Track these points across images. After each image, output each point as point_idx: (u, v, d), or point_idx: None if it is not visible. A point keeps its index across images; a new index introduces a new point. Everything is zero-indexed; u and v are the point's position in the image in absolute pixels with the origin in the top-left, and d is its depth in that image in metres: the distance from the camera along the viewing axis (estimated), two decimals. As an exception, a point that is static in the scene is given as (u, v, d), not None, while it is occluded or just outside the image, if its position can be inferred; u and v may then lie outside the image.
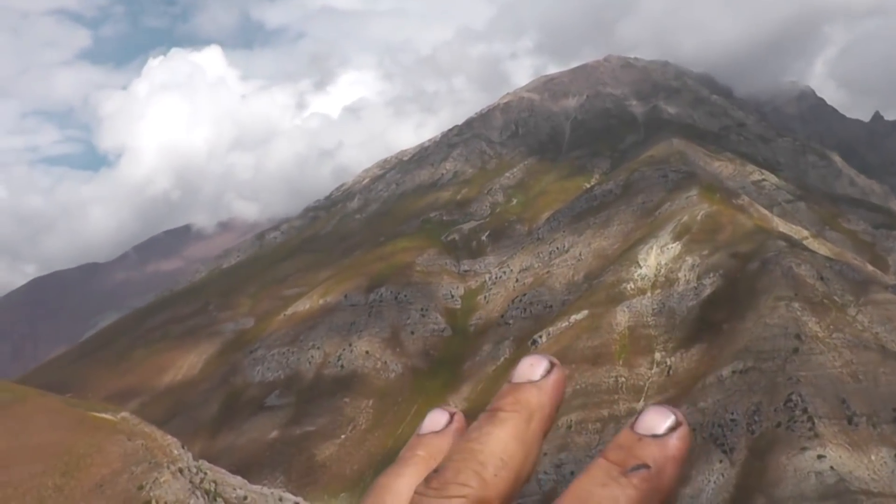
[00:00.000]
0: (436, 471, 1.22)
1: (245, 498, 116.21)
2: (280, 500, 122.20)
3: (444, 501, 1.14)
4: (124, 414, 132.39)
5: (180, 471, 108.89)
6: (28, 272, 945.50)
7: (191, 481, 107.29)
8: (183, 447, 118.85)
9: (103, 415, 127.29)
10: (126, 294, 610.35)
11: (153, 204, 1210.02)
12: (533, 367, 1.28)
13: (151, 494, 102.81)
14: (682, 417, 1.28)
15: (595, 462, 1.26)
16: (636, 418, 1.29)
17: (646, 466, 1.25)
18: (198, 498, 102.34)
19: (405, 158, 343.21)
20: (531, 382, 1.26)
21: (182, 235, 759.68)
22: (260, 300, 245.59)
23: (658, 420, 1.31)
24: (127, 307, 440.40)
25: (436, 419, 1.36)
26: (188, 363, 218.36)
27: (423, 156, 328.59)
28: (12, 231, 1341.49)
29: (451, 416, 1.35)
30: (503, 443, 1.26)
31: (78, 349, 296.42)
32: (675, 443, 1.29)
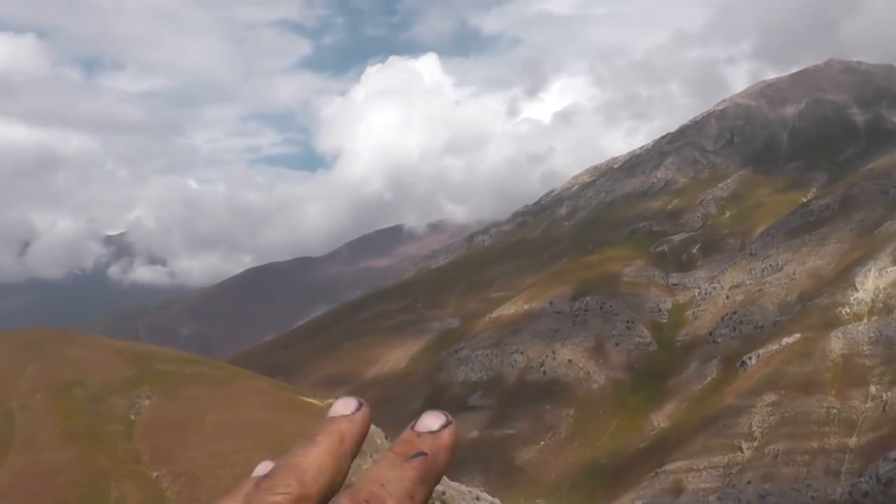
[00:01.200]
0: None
1: (444, 493, 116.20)
2: (477, 499, 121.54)
3: (271, 497, 1.33)
4: (331, 400, 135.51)
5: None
6: (245, 262, 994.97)
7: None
8: (386, 438, 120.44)
9: (311, 399, 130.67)
10: (337, 287, 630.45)
11: (366, 203, 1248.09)
12: (351, 413, 1.64)
13: (351, 480, 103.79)
14: (452, 418, 1.54)
15: (385, 455, 1.60)
16: (416, 421, 1.57)
17: (423, 454, 1.59)
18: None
19: (615, 166, 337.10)
20: (344, 416, 1.56)
21: (393, 235, 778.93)
22: (466, 301, 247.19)
23: (433, 420, 1.58)
24: (337, 300, 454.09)
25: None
26: (395, 357, 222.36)
27: (633, 163, 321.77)
28: (232, 224, 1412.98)
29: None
30: (320, 457, 1.55)
31: (289, 336, 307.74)
32: (446, 436, 1.63)
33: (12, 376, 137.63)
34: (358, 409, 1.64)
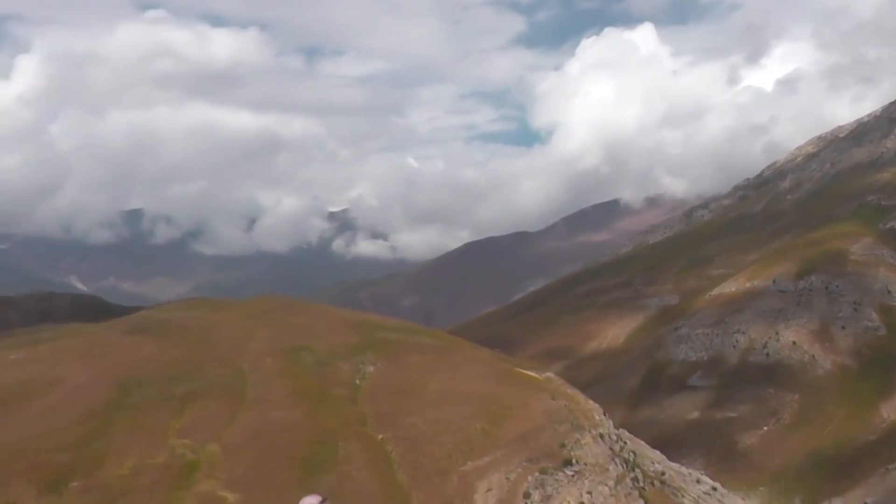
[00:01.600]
0: None
1: (663, 474, 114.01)
2: (697, 481, 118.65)
3: None
4: (549, 374, 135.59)
5: (601, 436, 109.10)
6: (462, 237, 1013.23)
7: (611, 448, 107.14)
8: (604, 414, 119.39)
9: (529, 372, 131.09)
10: (554, 262, 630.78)
11: (582, 178, 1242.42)
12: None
13: (572, 454, 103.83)
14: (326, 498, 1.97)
15: None
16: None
17: None
18: (616, 465, 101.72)
19: (841, 135, 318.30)
20: None
21: (610, 209, 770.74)
22: (685, 278, 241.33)
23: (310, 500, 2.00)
24: (554, 274, 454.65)
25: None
26: (612, 333, 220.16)
27: (861, 132, 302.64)
28: (449, 200, 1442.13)
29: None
30: None
31: (507, 309, 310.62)
32: None
33: (244, 340, 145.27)
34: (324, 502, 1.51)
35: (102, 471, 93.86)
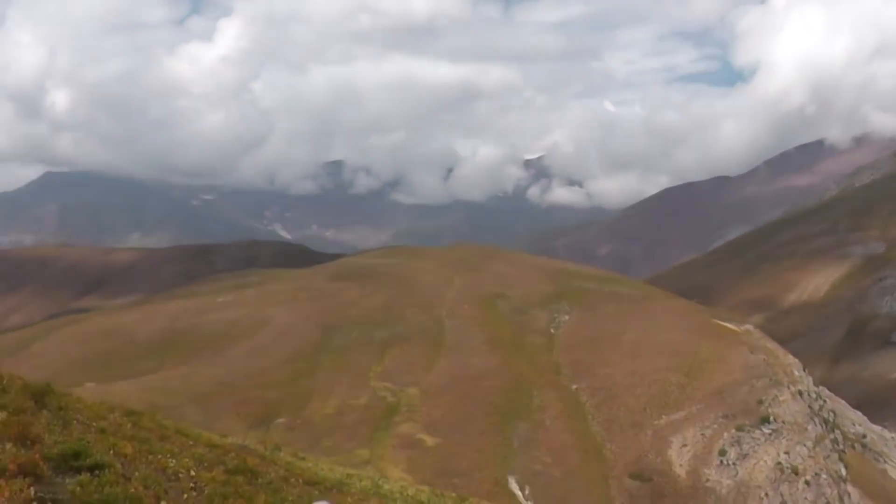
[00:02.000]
0: None
1: (864, 436, 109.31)
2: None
3: None
4: (748, 326, 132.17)
5: (800, 393, 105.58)
6: (660, 182, 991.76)
7: (809, 406, 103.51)
8: (804, 370, 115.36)
9: (727, 324, 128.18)
10: (755, 208, 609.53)
11: (786, 118, 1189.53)
12: None
13: (770, 411, 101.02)
14: None
15: None
16: None
17: None
18: (815, 425, 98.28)
19: None
20: None
21: (814, 150, 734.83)
22: (893, 224, 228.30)
23: None
24: (755, 221, 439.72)
25: None
26: (814, 284, 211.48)
27: None
28: (647, 145, 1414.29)
29: None
30: None
31: (705, 258, 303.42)
32: None
33: (442, 287, 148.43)
34: None
35: (307, 409, 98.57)
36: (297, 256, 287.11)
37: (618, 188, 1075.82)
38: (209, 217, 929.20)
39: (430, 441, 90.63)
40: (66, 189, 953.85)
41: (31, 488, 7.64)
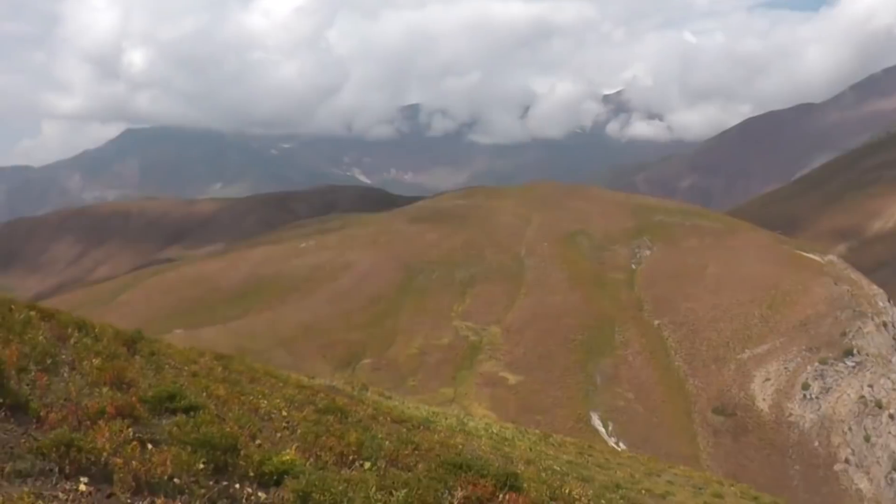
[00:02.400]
0: None
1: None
2: None
3: None
4: (831, 257, 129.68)
5: (884, 325, 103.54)
6: (742, 112, 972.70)
7: (894, 338, 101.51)
8: (889, 300, 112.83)
9: (810, 255, 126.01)
10: (840, 134, 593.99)
11: (873, 39, 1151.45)
12: None
13: (854, 343, 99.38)
14: None
15: None
16: None
17: None
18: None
19: None
20: None
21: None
22: None
23: None
24: (840, 148, 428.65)
25: None
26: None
27: None
28: (729, 74, 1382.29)
29: None
30: None
31: (789, 188, 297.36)
32: None
33: (520, 226, 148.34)
34: None
35: (391, 350, 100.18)
36: (377, 200, 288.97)
37: (699, 120, 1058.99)
38: (288, 165, 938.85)
39: (512, 379, 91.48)
40: (147, 144, 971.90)
41: (130, 429, 8.12)
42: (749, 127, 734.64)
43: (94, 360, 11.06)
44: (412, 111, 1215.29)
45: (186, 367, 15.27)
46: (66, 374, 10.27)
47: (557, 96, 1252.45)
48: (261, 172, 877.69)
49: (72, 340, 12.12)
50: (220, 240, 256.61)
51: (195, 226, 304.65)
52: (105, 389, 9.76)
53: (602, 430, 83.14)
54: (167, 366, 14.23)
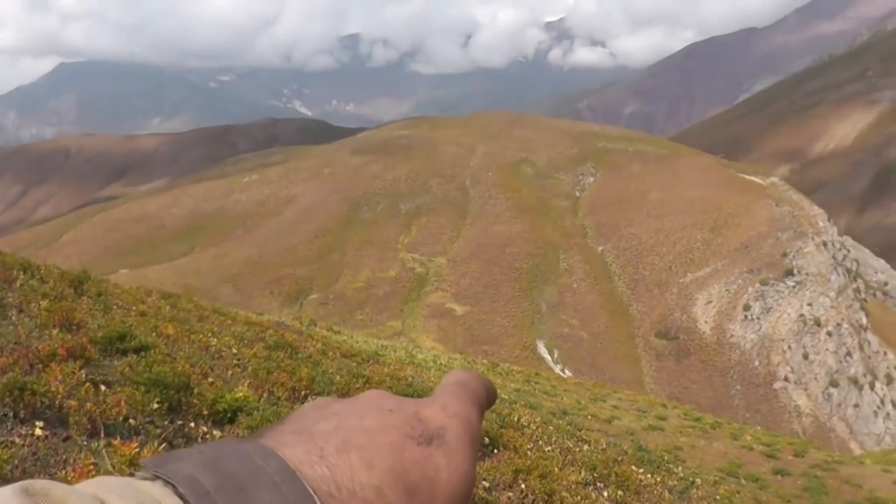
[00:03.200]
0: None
1: (885, 284, 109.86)
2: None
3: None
4: (773, 179, 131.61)
5: (824, 244, 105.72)
6: (686, 37, 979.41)
7: (833, 257, 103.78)
8: (829, 220, 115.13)
9: (752, 177, 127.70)
10: (783, 58, 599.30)
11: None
12: None
13: (794, 263, 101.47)
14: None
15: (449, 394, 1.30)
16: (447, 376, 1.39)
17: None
18: (838, 275, 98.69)
19: None
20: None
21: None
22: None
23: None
24: (783, 72, 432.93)
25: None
26: (841, 132, 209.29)
27: None
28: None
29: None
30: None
31: (731, 112, 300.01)
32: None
33: (465, 156, 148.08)
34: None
35: (339, 284, 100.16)
36: (319, 132, 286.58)
37: (642, 46, 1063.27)
38: (228, 98, 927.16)
39: (459, 310, 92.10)
40: (83, 79, 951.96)
41: (82, 371, 8.16)
42: (692, 52, 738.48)
43: (41, 302, 11.02)
44: (352, 41, 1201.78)
45: (134, 307, 15.23)
46: (14, 318, 10.26)
47: (499, 24, 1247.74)
48: (200, 106, 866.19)
49: (18, 283, 12.06)
50: (163, 176, 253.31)
51: (136, 162, 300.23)
52: (55, 331, 9.73)
53: (548, 357, 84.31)
54: (115, 306, 14.17)
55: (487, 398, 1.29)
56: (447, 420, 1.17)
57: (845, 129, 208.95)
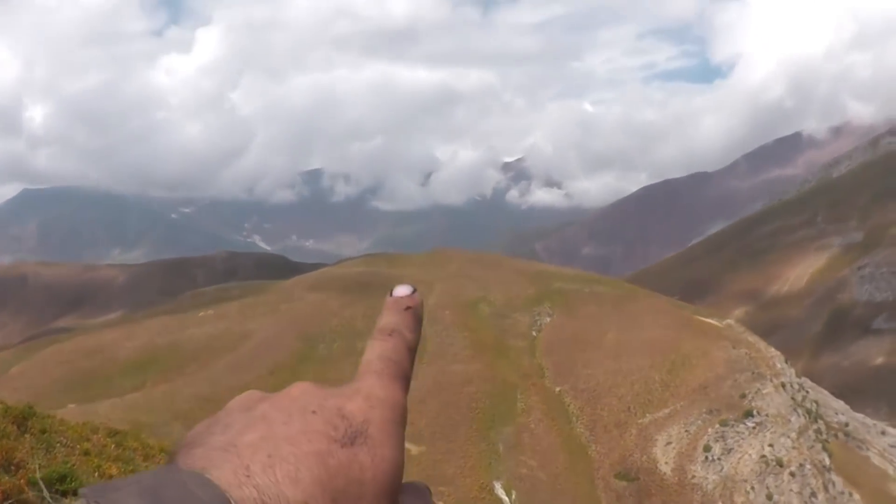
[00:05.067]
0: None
1: (846, 425, 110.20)
2: (882, 433, 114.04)
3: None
4: (729, 321, 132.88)
5: (782, 385, 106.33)
6: (640, 180, 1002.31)
7: (792, 398, 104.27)
8: (786, 362, 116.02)
9: (709, 320, 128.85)
10: (735, 202, 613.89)
11: (764, 111, 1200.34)
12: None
13: (753, 404, 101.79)
14: (416, 288, 1.75)
15: (385, 310, 1.63)
16: (392, 290, 1.73)
17: (410, 307, 1.64)
18: (798, 416, 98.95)
19: None
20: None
21: (792, 143, 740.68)
22: (870, 213, 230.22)
23: (406, 288, 1.68)
24: (735, 215, 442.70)
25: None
26: (795, 275, 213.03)
27: None
28: (627, 143, 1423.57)
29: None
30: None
31: (686, 254, 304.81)
32: (418, 296, 1.68)
33: (423, 293, 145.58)
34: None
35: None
36: (278, 268, 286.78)
37: (597, 187, 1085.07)
38: (189, 230, 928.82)
39: (415, 450, 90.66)
40: (45, 206, 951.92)
41: (19, 514, 7.82)
42: (646, 194, 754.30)
43: (-19, 442, 10.67)
44: (314, 176, 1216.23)
45: (79, 445, 14.77)
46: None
47: (459, 163, 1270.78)
48: (161, 237, 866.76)
49: (-40, 421, 11.69)
50: (119, 307, 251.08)
51: (93, 293, 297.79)
52: (-7, 472, 9.40)
53: (506, 498, 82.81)
54: (59, 444, 13.74)
55: (413, 342, 1.48)
56: (370, 412, 1.26)
57: (798, 272, 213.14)
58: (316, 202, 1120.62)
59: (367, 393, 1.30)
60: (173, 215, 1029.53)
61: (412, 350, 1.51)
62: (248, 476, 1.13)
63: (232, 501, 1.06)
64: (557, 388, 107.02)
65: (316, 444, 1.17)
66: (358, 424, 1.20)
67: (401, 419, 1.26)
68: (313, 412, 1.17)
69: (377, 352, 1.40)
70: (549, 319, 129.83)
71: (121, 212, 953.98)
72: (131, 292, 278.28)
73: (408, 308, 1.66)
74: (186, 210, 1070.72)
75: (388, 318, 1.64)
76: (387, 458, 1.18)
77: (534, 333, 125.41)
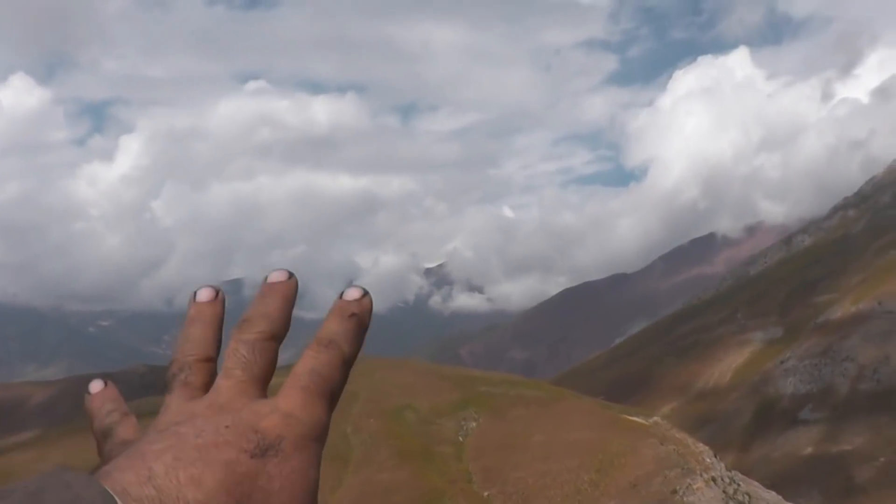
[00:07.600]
0: (243, 320, 1.57)
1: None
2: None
3: (250, 335, 1.48)
4: (656, 418, 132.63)
5: (713, 480, 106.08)
6: (560, 282, 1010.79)
7: (724, 491, 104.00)
8: (715, 456, 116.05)
9: (635, 418, 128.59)
10: (655, 302, 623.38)
11: (679, 213, 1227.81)
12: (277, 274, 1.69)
13: (685, 500, 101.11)
14: (367, 291, 1.65)
15: (329, 316, 1.62)
16: (342, 293, 1.66)
17: (355, 314, 1.61)
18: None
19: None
20: (283, 282, 1.68)
21: (707, 242, 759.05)
22: (789, 308, 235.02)
23: (356, 292, 1.64)
24: (656, 314, 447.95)
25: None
26: (719, 371, 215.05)
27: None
28: (546, 246, 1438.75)
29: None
30: (280, 307, 1.67)
31: (610, 354, 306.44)
32: (367, 301, 1.65)
33: (347, 403, 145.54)
34: (290, 278, 1.83)
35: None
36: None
37: (519, 291, 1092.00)
38: (107, 344, 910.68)
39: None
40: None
41: None
42: (567, 297, 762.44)
43: None
44: (236, 286, 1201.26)
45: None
46: None
47: (381, 269, 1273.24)
48: (78, 351, 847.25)
49: None
50: (33, 427, 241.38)
51: (7, 412, 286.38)
52: None
53: None
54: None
55: (351, 356, 1.42)
56: (285, 429, 1.23)
57: (722, 367, 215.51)
58: (237, 313, 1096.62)
59: (286, 411, 1.24)
60: (91, 329, 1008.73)
61: (348, 363, 1.46)
62: (149, 477, 1.06)
63: (118, 500, 1.01)
64: (486, 493, 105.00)
65: (225, 454, 1.10)
66: (272, 439, 1.15)
67: (319, 436, 1.21)
68: (227, 427, 1.11)
69: (308, 366, 1.36)
70: (475, 424, 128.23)
71: (37, 326, 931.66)
72: (45, 411, 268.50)
73: (352, 315, 1.56)
74: (104, 323, 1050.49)
75: (330, 325, 1.54)
76: (297, 470, 1.13)
77: (460, 438, 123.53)
